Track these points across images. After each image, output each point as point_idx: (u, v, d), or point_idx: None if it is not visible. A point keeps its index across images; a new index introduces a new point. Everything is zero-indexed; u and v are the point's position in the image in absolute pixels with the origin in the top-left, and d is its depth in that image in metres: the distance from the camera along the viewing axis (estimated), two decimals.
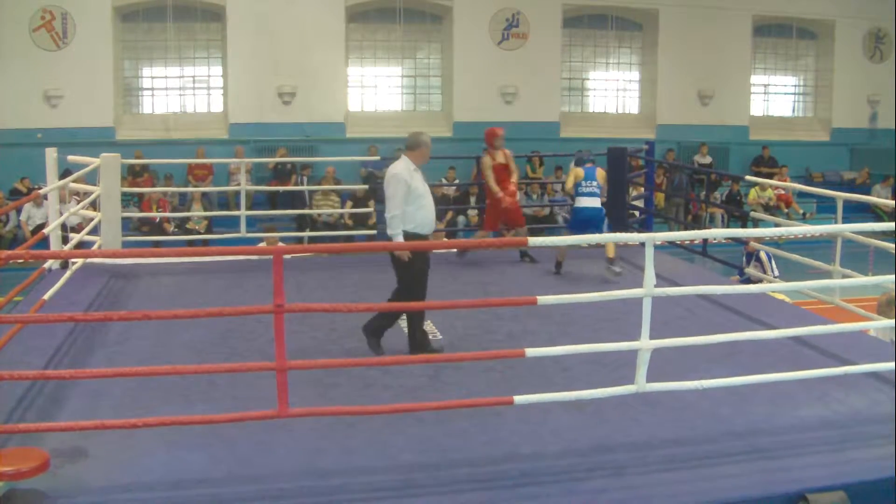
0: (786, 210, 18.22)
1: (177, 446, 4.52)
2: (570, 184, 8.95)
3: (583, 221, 8.67)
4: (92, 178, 9.59)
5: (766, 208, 17.39)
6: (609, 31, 19.70)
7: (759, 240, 9.27)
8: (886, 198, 17.28)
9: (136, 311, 6.57)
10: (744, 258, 9.99)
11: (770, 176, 18.24)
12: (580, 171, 8.86)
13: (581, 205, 8.74)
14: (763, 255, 9.54)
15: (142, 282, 8.35)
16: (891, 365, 5.08)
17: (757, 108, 21.01)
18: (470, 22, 18.26)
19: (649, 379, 4.63)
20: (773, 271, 9.40)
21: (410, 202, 6.11)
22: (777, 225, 12.26)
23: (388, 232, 6.15)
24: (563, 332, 6.60)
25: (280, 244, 10.47)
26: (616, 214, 10.33)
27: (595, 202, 8.78)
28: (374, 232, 14.77)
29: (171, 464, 4.37)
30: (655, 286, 4.59)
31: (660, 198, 16.99)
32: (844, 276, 7.18)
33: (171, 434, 4.55)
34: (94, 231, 9.15)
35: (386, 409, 4.82)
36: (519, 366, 5.72)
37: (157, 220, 14.85)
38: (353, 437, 4.69)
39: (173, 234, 14.82)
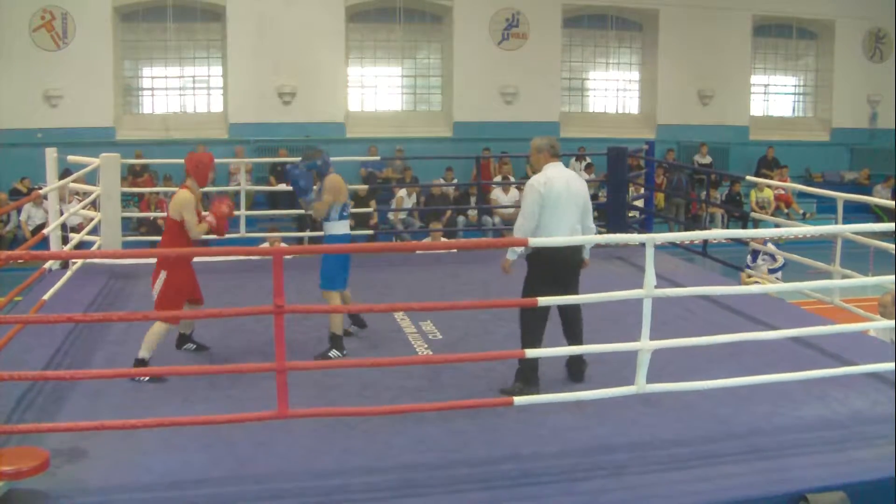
0: (786, 210, 18.22)
1: (177, 446, 4.53)
2: (328, 205, 6.15)
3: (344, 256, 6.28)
4: (92, 178, 9.59)
5: (765, 209, 17.38)
6: (609, 31, 19.70)
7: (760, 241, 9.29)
8: (887, 198, 17.28)
9: (136, 311, 6.59)
10: (749, 256, 9.98)
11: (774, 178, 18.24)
12: (343, 182, 6.28)
13: (346, 231, 6.30)
14: (771, 247, 9.61)
15: (142, 282, 8.32)
16: (891, 365, 5.08)
17: (757, 108, 21.00)
18: (470, 22, 18.25)
19: (649, 379, 4.63)
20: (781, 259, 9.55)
21: None
22: (777, 225, 12.27)
23: None
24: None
25: (282, 244, 10.46)
26: (616, 214, 10.33)
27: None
28: (373, 232, 14.78)
29: (171, 464, 4.37)
30: (655, 287, 4.59)
31: (660, 198, 16.99)
32: (844, 277, 7.18)
33: (171, 434, 4.55)
34: (94, 231, 9.15)
35: (386, 409, 4.82)
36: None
37: (153, 219, 14.83)
38: (353, 437, 4.69)
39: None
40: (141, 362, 5.56)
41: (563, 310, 5.59)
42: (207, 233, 5.94)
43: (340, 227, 6.23)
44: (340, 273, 6.22)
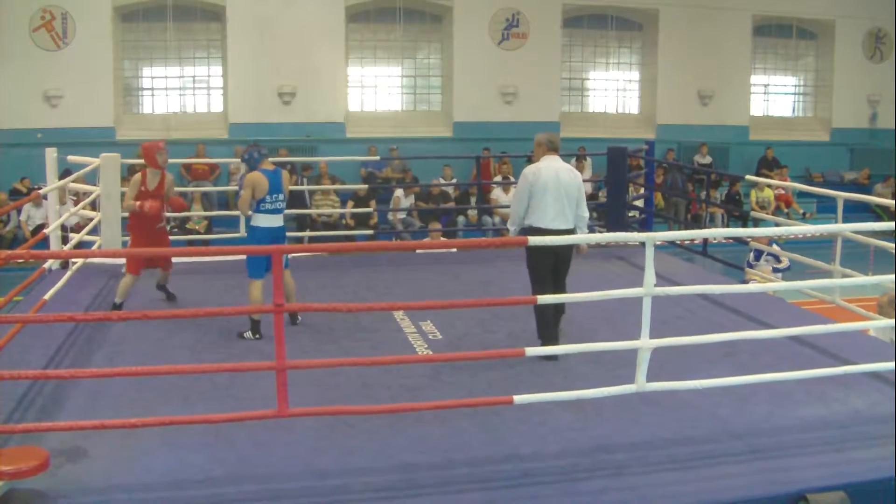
0: (786, 210, 18.23)
1: (177, 446, 4.53)
2: (247, 200, 6.53)
3: (265, 243, 6.52)
4: (92, 178, 9.59)
5: (765, 209, 17.40)
6: (609, 31, 19.69)
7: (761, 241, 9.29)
8: (887, 198, 17.28)
9: (136, 311, 6.59)
10: (752, 253, 9.97)
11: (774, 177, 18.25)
12: (262, 179, 6.51)
13: (264, 223, 6.62)
14: (776, 248, 9.62)
15: (142, 281, 8.33)
16: (891, 365, 5.08)
17: (757, 108, 20.99)
18: (470, 22, 18.25)
19: (649, 379, 4.63)
20: (786, 261, 9.55)
21: None
22: (777, 224, 12.27)
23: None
24: (562, 331, 6.60)
25: None
26: (616, 214, 10.34)
27: (280, 220, 6.73)
28: (373, 231, 14.79)
29: (171, 464, 4.37)
30: (655, 286, 4.59)
31: (660, 198, 16.99)
32: (844, 276, 7.18)
33: (171, 434, 4.55)
34: (94, 231, 9.15)
35: (386, 409, 4.82)
36: (519, 365, 5.72)
37: None
38: (353, 437, 4.69)
39: (172, 233, 14.79)
40: (116, 306, 7.03)
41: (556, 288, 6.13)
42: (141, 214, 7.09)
43: (256, 219, 6.66)
44: (261, 261, 6.52)
